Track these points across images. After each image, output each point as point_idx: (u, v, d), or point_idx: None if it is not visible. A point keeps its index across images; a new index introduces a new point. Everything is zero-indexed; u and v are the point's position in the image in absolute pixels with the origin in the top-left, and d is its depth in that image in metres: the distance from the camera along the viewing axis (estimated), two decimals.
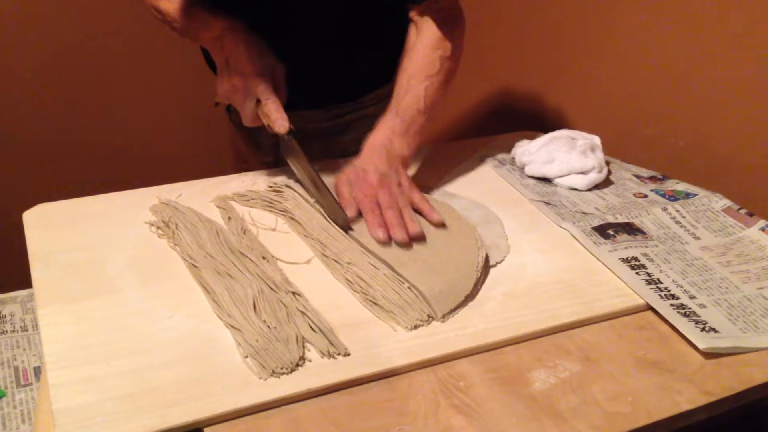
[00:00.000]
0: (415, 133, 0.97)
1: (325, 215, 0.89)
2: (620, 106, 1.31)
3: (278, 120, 0.93)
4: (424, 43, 0.99)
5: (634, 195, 1.01)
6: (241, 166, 1.24)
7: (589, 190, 1.04)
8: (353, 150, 0.97)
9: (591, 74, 1.38)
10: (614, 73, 1.31)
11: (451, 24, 1.00)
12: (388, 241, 0.84)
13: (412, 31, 1.02)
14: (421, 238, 0.85)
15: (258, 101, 0.94)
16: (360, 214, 0.89)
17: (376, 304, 0.75)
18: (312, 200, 0.93)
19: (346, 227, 0.87)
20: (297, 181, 0.97)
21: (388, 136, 0.95)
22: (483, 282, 0.81)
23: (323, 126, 1.18)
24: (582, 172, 1.03)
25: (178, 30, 1.00)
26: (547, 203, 0.99)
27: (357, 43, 1.09)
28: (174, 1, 0.97)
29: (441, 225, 0.88)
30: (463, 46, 1.02)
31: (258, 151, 1.20)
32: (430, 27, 0.99)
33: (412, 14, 1.01)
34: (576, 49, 1.41)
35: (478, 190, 1.02)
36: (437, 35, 0.98)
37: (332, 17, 1.04)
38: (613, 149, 1.19)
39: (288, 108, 0.95)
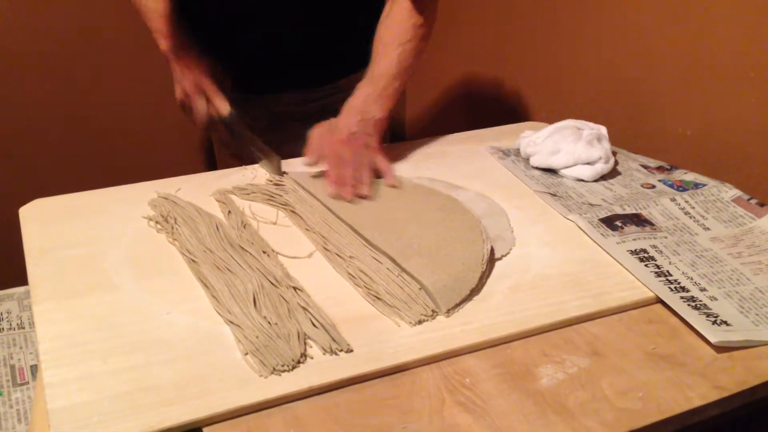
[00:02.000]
0: (389, 96, 1.02)
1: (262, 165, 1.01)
2: (627, 95, 1.29)
3: (220, 104, 1.07)
4: (398, 13, 1.03)
5: (642, 185, 1.00)
6: (226, 153, 1.29)
7: (596, 181, 1.02)
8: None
9: (597, 63, 1.36)
10: (621, 62, 1.29)
11: (422, 1, 1.02)
12: (337, 197, 0.90)
13: (388, 4, 1.05)
14: (366, 198, 0.91)
15: (207, 99, 1.08)
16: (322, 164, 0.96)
17: (379, 298, 0.73)
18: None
19: (279, 172, 0.98)
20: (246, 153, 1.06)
21: (363, 100, 1.00)
22: (488, 275, 0.79)
23: (301, 109, 1.21)
24: (588, 163, 1.02)
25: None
26: (553, 194, 0.97)
27: (331, 26, 1.13)
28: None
29: (393, 186, 0.95)
30: (437, 12, 1.05)
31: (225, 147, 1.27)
32: (402, 3, 1.02)
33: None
34: (581, 38, 1.39)
35: (482, 181, 1.01)
36: (410, 6, 1.02)
37: (303, 5, 1.09)
38: (619, 139, 1.17)
39: (265, 91, 1.14)
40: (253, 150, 1.04)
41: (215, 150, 1.36)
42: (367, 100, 1.00)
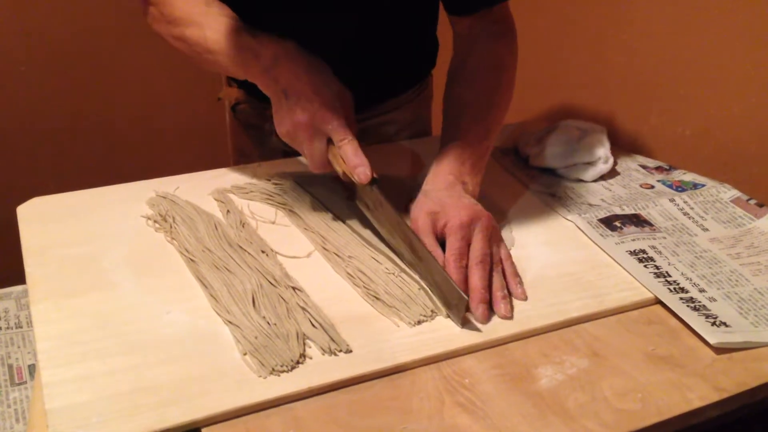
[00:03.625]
0: (482, 168, 0.87)
1: (430, 292, 0.73)
2: (626, 95, 1.29)
3: (359, 167, 0.76)
4: (480, 60, 0.89)
5: (641, 186, 1.00)
6: (243, 161, 1.20)
7: (595, 181, 1.01)
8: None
9: (596, 63, 1.35)
10: (620, 62, 1.29)
11: (506, 37, 0.91)
12: (487, 321, 0.71)
13: (461, 44, 0.92)
14: (508, 317, 0.71)
15: (329, 141, 0.79)
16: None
17: (378, 299, 0.73)
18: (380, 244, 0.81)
19: (464, 309, 0.69)
20: (378, 237, 0.82)
21: (458, 168, 0.83)
22: None
23: None
24: (588, 163, 1.01)
25: (213, 62, 0.84)
26: (552, 195, 0.97)
27: (376, 52, 1.03)
28: (206, 27, 0.82)
29: (524, 298, 0.74)
30: (518, 54, 0.93)
31: (263, 152, 1.13)
32: (485, 43, 0.90)
33: (460, 28, 0.92)
34: (581, 39, 1.39)
35: (482, 182, 1.00)
36: (494, 52, 0.89)
37: (350, 26, 0.97)
38: (618, 139, 1.17)
39: None
40: (397, 245, 0.78)
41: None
42: (462, 170, 0.83)
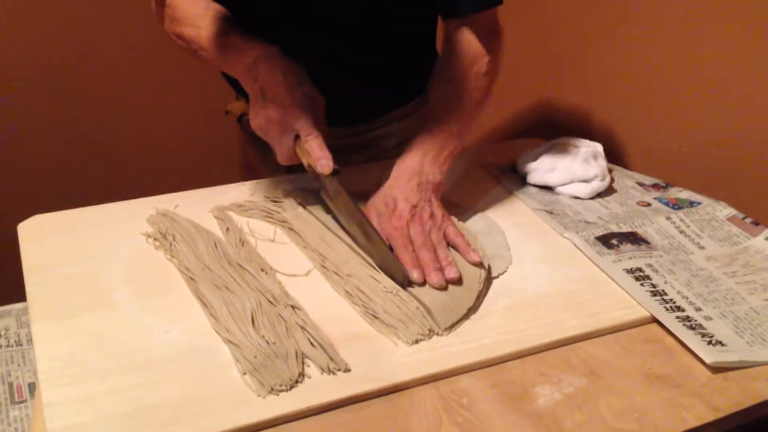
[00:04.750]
0: (447, 158, 0.91)
1: (378, 268, 0.81)
2: (623, 112, 1.30)
3: (321, 159, 0.83)
4: (460, 59, 0.93)
5: (638, 203, 1.00)
6: (250, 176, 1.21)
7: (592, 198, 1.02)
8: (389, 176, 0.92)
9: (593, 81, 1.36)
10: (617, 80, 1.30)
11: (490, 39, 0.94)
12: (423, 283, 0.78)
13: (448, 45, 0.96)
14: (456, 281, 0.78)
15: (297, 137, 0.85)
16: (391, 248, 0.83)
17: (376, 317, 0.74)
18: (329, 223, 0.89)
19: (406, 284, 0.78)
20: (338, 223, 0.90)
21: (419, 161, 0.90)
22: (485, 294, 0.79)
23: (341, 143, 1.10)
24: (584, 180, 1.02)
25: (206, 58, 0.93)
26: (550, 212, 0.97)
27: (376, 64, 1.05)
28: (202, 27, 0.90)
29: (479, 264, 0.82)
30: (502, 60, 0.96)
31: (269, 165, 1.13)
32: (470, 42, 0.93)
33: (450, 27, 0.96)
34: (578, 56, 1.40)
35: (479, 199, 1.01)
36: (477, 51, 0.93)
37: (350, 39, 1.00)
38: (616, 156, 1.18)
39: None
40: (353, 230, 0.87)
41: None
42: (424, 161, 0.90)
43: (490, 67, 0.93)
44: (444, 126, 0.91)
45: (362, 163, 1.07)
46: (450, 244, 0.85)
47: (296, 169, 0.90)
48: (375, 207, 0.88)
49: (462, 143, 0.93)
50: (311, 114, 0.84)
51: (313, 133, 0.84)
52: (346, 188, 0.85)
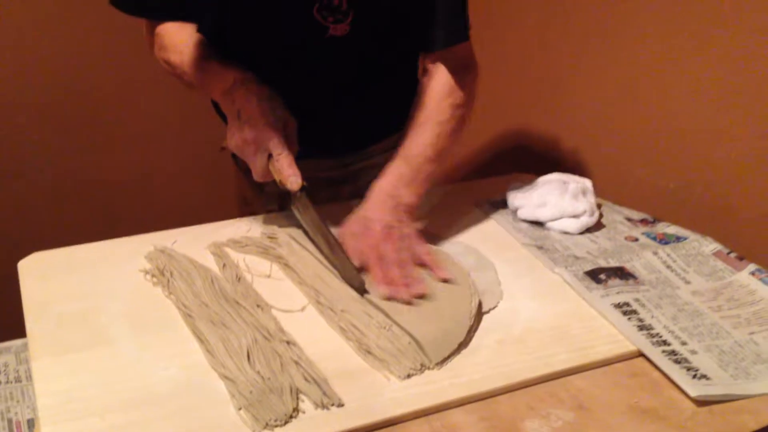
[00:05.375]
0: (423, 181, 0.96)
1: (340, 275, 0.88)
2: (612, 147, 1.33)
3: (291, 176, 0.90)
4: (435, 90, 0.99)
5: (626, 238, 1.02)
6: (245, 210, 1.25)
7: (581, 233, 1.04)
8: (361, 198, 0.97)
9: (584, 117, 1.40)
10: (606, 117, 1.33)
11: (463, 72, 1.00)
12: (392, 298, 0.83)
13: (425, 79, 1.02)
14: (426, 297, 0.83)
15: (269, 155, 0.91)
16: (365, 267, 0.88)
17: (370, 353, 0.75)
18: (320, 257, 0.92)
19: (362, 290, 0.85)
20: (307, 236, 0.96)
21: (394, 184, 0.95)
22: (476, 329, 0.81)
23: (331, 174, 1.18)
24: (574, 216, 1.04)
25: (189, 82, 1.00)
26: (540, 247, 0.99)
27: (365, 96, 1.09)
28: (185, 53, 0.97)
29: (446, 281, 0.87)
30: (476, 94, 1.02)
31: (263, 198, 1.18)
32: (443, 75, 0.99)
33: (426, 62, 1.02)
34: (568, 93, 1.43)
35: (471, 234, 1.03)
36: (449, 83, 0.99)
37: (340, 70, 1.04)
38: (606, 191, 1.20)
39: (296, 157, 0.93)
40: (318, 241, 0.93)
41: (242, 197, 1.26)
42: (398, 184, 0.95)
43: (463, 99, 0.99)
44: (419, 152, 0.96)
45: (351, 196, 1.10)
46: (420, 263, 0.90)
47: (288, 202, 0.96)
48: (350, 227, 0.94)
49: (438, 168, 0.98)
50: (283, 135, 0.91)
51: (284, 152, 0.90)
52: (313, 203, 0.93)
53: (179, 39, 0.99)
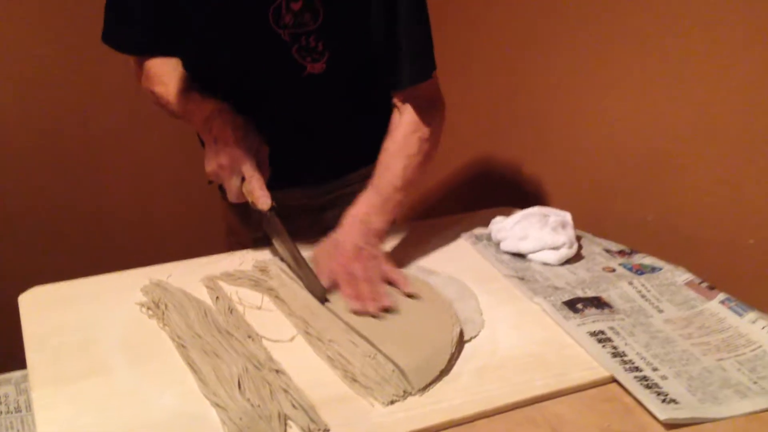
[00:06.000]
0: (392, 209, 1.05)
1: (304, 287, 0.96)
2: (593, 181, 1.37)
3: (261, 197, 1.00)
4: (404, 125, 1.07)
5: (603, 269, 1.07)
6: (232, 240, 1.31)
7: (561, 264, 1.09)
8: (339, 225, 1.04)
9: (565, 152, 1.45)
10: (587, 151, 1.39)
11: (430, 110, 1.08)
12: (361, 312, 0.90)
13: (395, 115, 1.10)
14: (392, 310, 0.91)
15: (243, 179, 1.01)
16: (336, 284, 0.96)
17: (355, 380, 0.79)
18: (292, 274, 0.99)
19: (323, 299, 0.93)
20: (279, 256, 1.03)
21: (366, 211, 1.03)
22: (458, 357, 0.85)
23: (311, 203, 1.25)
24: (554, 248, 1.09)
25: (172, 111, 1.10)
26: (521, 278, 1.04)
27: (342, 128, 1.17)
28: (169, 84, 1.07)
29: (410, 295, 0.94)
30: (442, 129, 1.10)
31: (248, 227, 1.25)
32: (411, 111, 1.07)
33: (396, 100, 1.09)
34: (550, 129, 1.48)
35: (456, 266, 1.07)
36: (417, 119, 1.06)
37: (318, 105, 1.12)
38: (587, 224, 1.25)
39: (277, 186, 1.02)
40: (286, 258, 1.02)
41: (228, 227, 1.35)
42: (369, 211, 1.03)
43: (429, 134, 1.07)
44: (389, 182, 1.05)
45: (332, 222, 1.15)
46: (387, 281, 0.97)
47: (271, 231, 1.04)
48: (323, 248, 1.02)
49: (405, 197, 1.06)
50: (255, 160, 1.01)
51: (255, 175, 1.00)
52: (282, 221, 1.02)
53: (164, 71, 1.09)
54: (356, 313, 0.90)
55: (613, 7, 1.25)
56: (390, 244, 1.15)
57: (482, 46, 1.67)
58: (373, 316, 0.89)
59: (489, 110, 1.67)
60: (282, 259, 1.03)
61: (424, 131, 1.06)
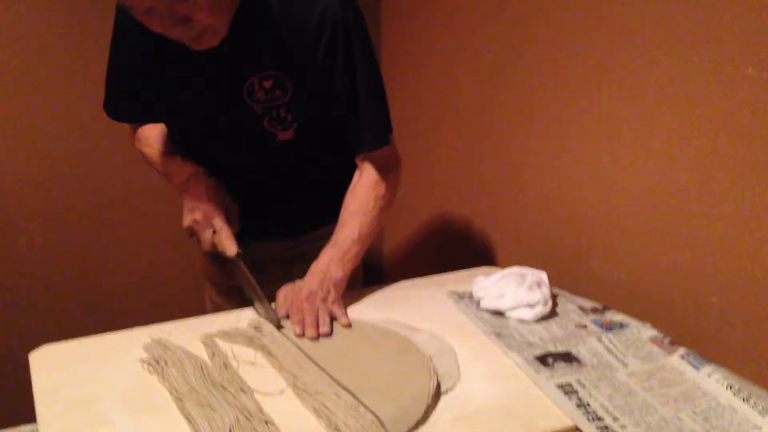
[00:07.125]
0: (349, 260, 1.19)
1: (261, 315, 1.14)
2: (570, 241, 1.45)
3: (228, 246, 1.18)
4: (362, 184, 1.23)
5: (576, 326, 1.14)
6: (213, 289, 1.48)
7: (537, 321, 1.16)
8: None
9: (542, 214, 1.53)
10: (563, 213, 1.47)
11: (386, 170, 1.24)
12: (302, 335, 1.07)
13: (356, 174, 1.26)
14: (327, 335, 1.08)
15: (214, 231, 1.19)
16: (287, 315, 1.13)
17: (338, 430, 0.86)
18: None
19: (277, 325, 1.10)
20: (246, 295, 1.19)
21: (326, 263, 1.18)
22: (434, 408, 0.91)
23: (284, 255, 1.38)
24: (529, 306, 1.16)
25: (157, 171, 1.29)
26: (498, 334, 1.11)
27: (309, 189, 1.33)
28: (155, 148, 1.28)
29: (348, 326, 1.11)
30: (398, 186, 1.28)
31: (227, 277, 1.40)
32: (370, 170, 1.23)
33: (357, 161, 1.25)
34: (528, 192, 1.57)
35: (439, 322, 1.15)
36: (375, 178, 1.23)
37: (288, 168, 1.28)
38: (565, 282, 1.33)
39: (249, 240, 1.24)
40: (251, 296, 1.17)
41: (207, 278, 1.50)
42: (330, 264, 1.17)
43: (385, 191, 1.23)
44: (347, 236, 1.20)
45: (301, 273, 1.23)
46: (333, 317, 1.13)
47: (239, 275, 1.21)
48: (284, 289, 1.17)
49: (362, 249, 1.21)
50: (225, 216, 1.20)
51: (225, 228, 1.19)
52: (249, 267, 1.20)
53: (152, 135, 1.29)
54: (297, 336, 1.07)
55: (577, 85, 1.35)
56: (379, 302, 1.23)
57: (458, 105, 1.77)
58: (357, 371, 0.97)
59: (477, 171, 1.76)
60: (248, 297, 1.18)
61: (381, 189, 1.23)
